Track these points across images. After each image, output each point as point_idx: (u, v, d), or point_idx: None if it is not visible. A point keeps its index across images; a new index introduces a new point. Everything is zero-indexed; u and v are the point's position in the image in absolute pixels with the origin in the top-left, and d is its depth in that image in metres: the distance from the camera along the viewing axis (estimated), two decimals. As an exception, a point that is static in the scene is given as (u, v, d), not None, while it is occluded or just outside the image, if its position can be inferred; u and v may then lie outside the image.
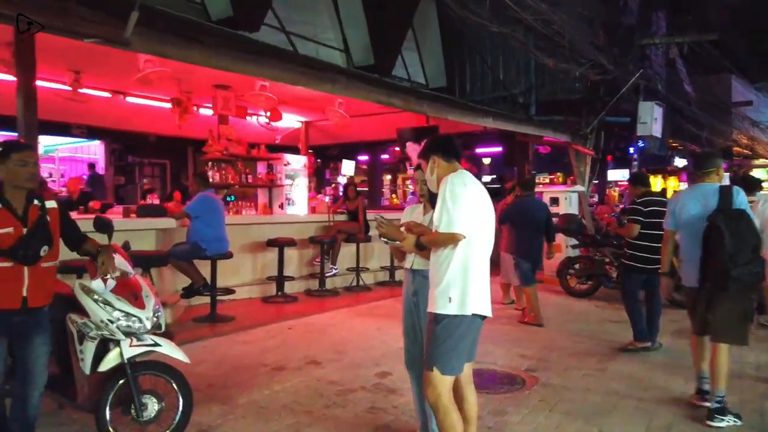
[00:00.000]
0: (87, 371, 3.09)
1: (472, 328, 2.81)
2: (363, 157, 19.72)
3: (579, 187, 10.30)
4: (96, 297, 3.06)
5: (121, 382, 3.12)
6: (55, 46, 6.75)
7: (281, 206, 9.91)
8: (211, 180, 8.85)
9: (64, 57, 7.41)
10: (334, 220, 8.43)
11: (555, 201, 9.86)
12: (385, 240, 3.04)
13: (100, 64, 7.67)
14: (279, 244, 7.40)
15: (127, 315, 3.08)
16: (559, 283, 8.62)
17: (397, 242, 2.99)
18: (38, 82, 8.10)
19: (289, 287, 7.95)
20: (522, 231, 6.64)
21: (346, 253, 8.66)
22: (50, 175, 16.90)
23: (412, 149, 4.84)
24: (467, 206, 2.74)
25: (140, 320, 3.11)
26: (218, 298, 7.02)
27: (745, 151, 21.90)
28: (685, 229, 4.10)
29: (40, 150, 17.19)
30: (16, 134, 5.33)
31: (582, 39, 8.35)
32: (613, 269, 8.22)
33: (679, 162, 21.36)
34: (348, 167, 20.80)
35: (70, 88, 7.96)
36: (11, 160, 2.85)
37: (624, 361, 5.25)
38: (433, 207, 2.90)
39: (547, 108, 11.97)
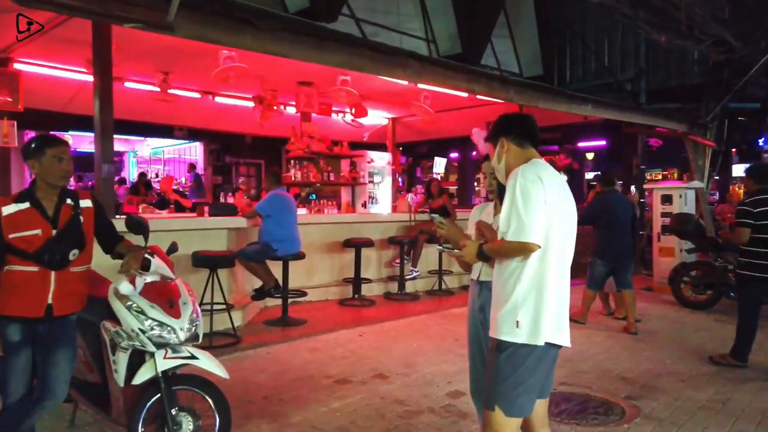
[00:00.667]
0: (121, 383, 2.87)
1: (545, 360, 2.24)
2: (454, 154, 19.08)
3: (697, 183, 9.06)
4: (129, 303, 2.83)
5: (155, 397, 2.86)
6: (142, 47, 6.91)
7: (364, 205, 9.64)
8: (293, 178, 8.77)
9: (152, 58, 7.58)
10: (416, 219, 7.96)
11: (667, 199, 8.73)
12: (442, 247, 2.54)
13: (186, 65, 7.77)
14: (355, 245, 7.06)
15: (160, 324, 2.82)
16: (672, 292, 7.57)
17: (456, 250, 2.47)
18: (130, 84, 8.55)
19: (368, 290, 7.61)
20: (602, 230, 6.16)
21: (429, 254, 8.17)
22: (157, 176, 17.96)
23: (479, 136, 4.22)
24: (543, 207, 2.17)
25: (174, 330, 2.84)
26: (294, 300, 6.84)
27: None
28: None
29: (148, 152, 18.39)
30: (92, 134, 5.42)
31: (702, 12, 7.23)
32: (737, 277, 7.07)
33: (820, 156, 18.61)
34: (440, 165, 20.30)
35: (159, 89, 8.14)
36: (45, 155, 2.68)
37: (751, 389, 4.34)
38: None
39: (659, 95, 10.70)
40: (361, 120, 11.36)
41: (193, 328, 2.95)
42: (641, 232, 10.44)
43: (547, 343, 2.20)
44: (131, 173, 18.64)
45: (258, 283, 6.08)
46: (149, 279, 2.98)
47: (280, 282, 5.99)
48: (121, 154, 19.25)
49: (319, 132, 9.28)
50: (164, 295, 2.93)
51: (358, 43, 4.99)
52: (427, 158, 19.89)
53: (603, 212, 6.15)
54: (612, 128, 12.03)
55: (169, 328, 2.83)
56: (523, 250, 2.18)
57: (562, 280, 2.27)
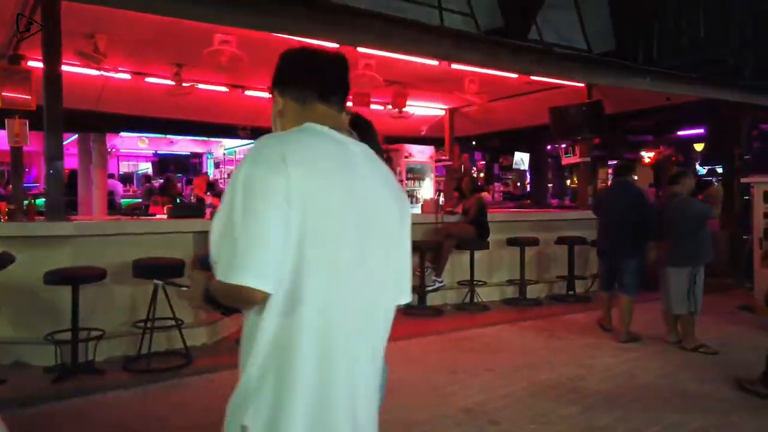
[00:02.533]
0: None
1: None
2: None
3: (814, 176, 7.07)
4: None
5: None
6: (140, 36, 6.47)
7: (401, 204, 8.67)
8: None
9: (160, 50, 7.14)
10: (444, 221, 6.85)
11: (773, 196, 6.88)
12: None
13: (198, 56, 7.26)
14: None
15: None
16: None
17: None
18: (150, 79, 8.22)
19: (385, 302, 6.63)
20: (603, 225, 5.77)
21: (459, 262, 7.01)
22: (228, 176, 18.11)
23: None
24: (283, 218, 1.14)
25: None
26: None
27: None
28: None
29: (220, 152, 18.60)
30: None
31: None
32: None
33: None
34: (523, 160, 18.61)
35: (173, 83, 7.73)
36: None
37: None
38: None
39: (773, 70, 8.69)
40: (410, 111, 10.39)
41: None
42: (744, 237, 8.51)
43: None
44: (209, 175, 19.00)
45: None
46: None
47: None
48: (200, 155, 19.74)
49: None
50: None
51: (303, 3, 4.03)
52: (505, 153, 18.37)
53: (599, 204, 5.92)
54: (711, 114, 10.04)
55: None
56: (239, 296, 1.16)
57: (343, 354, 1.21)
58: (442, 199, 7.14)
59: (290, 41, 6.01)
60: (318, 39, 5.78)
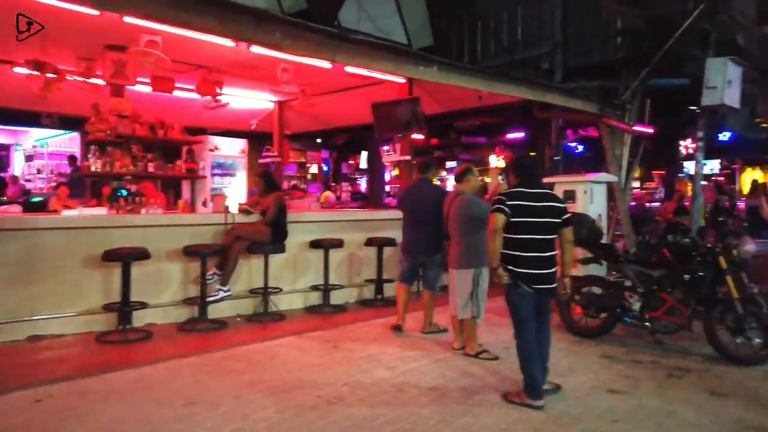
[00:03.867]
0: None
1: None
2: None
3: (606, 176, 7.33)
4: None
5: None
6: None
7: (204, 203, 7.77)
8: (92, 168, 6.87)
9: None
10: (233, 222, 6.09)
11: (570, 196, 6.98)
12: None
13: None
14: (122, 258, 5.17)
15: None
16: (559, 314, 5.79)
17: None
18: None
19: (162, 316, 5.74)
20: (406, 222, 5.62)
21: (253, 267, 6.31)
22: (39, 171, 15.85)
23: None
24: None
25: None
26: (35, 334, 5.01)
27: None
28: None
29: (30, 144, 16.25)
30: None
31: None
32: (635, 296, 5.38)
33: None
34: (366, 159, 18.41)
35: None
36: None
37: None
38: None
39: (580, 74, 9.01)
40: (233, 102, 9.50)
41: None
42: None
43: None
44: (17, 169, 16.50)
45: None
46: None
47: None
48: (6, 147, 17.07)
49: (131, 110, 7.28)
50: None
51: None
52: (354, 152, 18.06)
53: (403, 201, 5.71)
54: (529, 116, 10.32)
55: None
56: None
57: None
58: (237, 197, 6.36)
59: (41, 6, 4.92)
60: (71, 2, 4.78)
